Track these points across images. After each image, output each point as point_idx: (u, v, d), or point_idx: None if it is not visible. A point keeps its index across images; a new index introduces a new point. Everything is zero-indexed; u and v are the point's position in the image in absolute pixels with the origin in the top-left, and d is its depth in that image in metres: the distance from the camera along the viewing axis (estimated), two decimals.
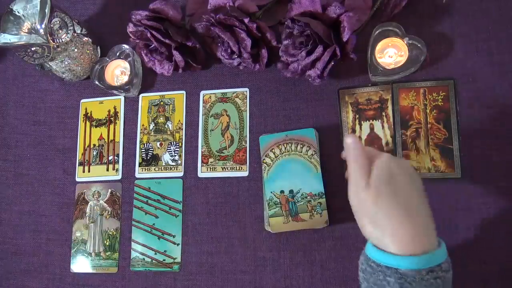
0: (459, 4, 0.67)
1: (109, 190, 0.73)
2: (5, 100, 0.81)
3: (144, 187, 0.72)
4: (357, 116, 0.67)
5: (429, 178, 0.63)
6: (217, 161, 0.71)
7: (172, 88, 0.75)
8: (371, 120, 0.67)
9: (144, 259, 0.70)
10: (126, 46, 0.74)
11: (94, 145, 0.76)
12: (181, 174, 0.72)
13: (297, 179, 0.64)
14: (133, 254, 0.70)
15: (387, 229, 0.44)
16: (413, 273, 0.42)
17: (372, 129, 0.66)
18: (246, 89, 0.72)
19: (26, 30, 0.66)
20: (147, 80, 0.76)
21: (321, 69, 0.63)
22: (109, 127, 0.76)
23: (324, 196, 0.63)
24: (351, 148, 0.49)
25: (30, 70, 0.81)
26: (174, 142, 0.73)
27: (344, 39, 0.62)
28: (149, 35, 0.67)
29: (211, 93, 0.73)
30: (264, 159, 0.66)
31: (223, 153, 0.71)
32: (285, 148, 0.66)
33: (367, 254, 0.46)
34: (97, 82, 0.74)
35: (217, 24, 0.66)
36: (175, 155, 0.73)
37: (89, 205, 0.74)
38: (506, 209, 0.61)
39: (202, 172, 0.71)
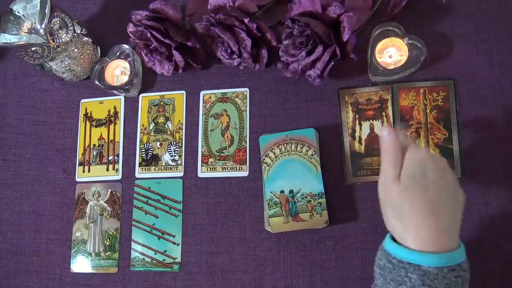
0: (459, 4, 0.67)
1: (109, 190, 0.73)
2: (5, 100, 0.81)
3: (144, 187, 0.72)
4: (357, 116, 0.67)
5: None
6: (217, 161, 0.71)
7: (172, 88, 0.75)
8: (371, 120, 0.67)
9: (144, 259, 0.70)
10: (126, 46, 0.74)
11: (94, 145, 0.76)
12: (181, 174, 0.72)
13: (297, 179, 0.64)
14: (133, 254, 0.70)
15: (410, 224, 0.44)
16: (435, 270, 0.42)
17: (372, 129, 0.66)
18: (246, 89, 0.72)
19: (26, 30, 0.66)
20: (147, 80, 0.76)
21: (321, 69, 0.63)
22: (109, 127, 0.76)
23: (324, 196, 0.63)
24: (386, 139, 0.49)
25: (30, 70, 0.81)
26: (174, 142, 0.73)
27: (344, 39, 0.62)
28: (149, 35, 0.67)
29: (211, 93, 0.73)
30: (264, 159, 0.66)
31: (223, 153, 0.71)
32: (285, 148, 0.66)
33: (387, 250, 0.46)
34: (97, 82, 0.74)
35: (217, 24, 0.66)
36: (175, 155, 0.73)
37: (89, 205, 0.74)
38: (506, 209, 0.61)
39: (202, 172, 0.71)
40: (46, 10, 0.65)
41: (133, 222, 0.72)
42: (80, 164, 0.75)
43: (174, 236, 0.70)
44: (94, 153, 0.75)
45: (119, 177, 0.74)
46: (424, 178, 0.45)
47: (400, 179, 0.46)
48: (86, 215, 0.73)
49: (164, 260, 0.69)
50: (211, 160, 0.71)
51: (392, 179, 0.47)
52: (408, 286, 0.43)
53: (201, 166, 0.71)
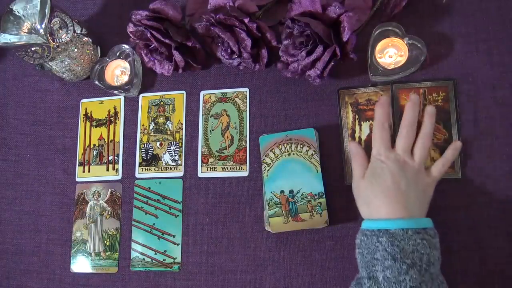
0: (459, 4, 0.67)
1: (109, 190, 0.73)
2: (5, 100, 0.81)
3: (144, 187, 0.72)
4: (357, 116, 0.67)
5: None
6: (217, 161, 0.71)
7: (172, 88, 0.75)
8: (371, 121, 0.67)
9: (144, 259, 0.70)
10: (126, 46, 0.74)
11: (94, 145, 0.76)
12: (181, 174, 0.72)
13: (297, 179, 0.64)
14: (133, 254, 0.70)
15: (376, 202, 0.55)
16: (401, 231, 0.51)
17: (372, 129, 0.66)
18: (246, 89, 0.72)
19: (26, 30, 0.66)
20: (147, 80, 0.76)
21: (321, 69, 0.63)
22: (109, 127, 0.76)
23: (324, 196, 0.63)
24: (353, 151, 0.62)
25: (30, 70, 0.81)
26: (174, 142, 0.73)
27: (344, 39, 0.62)
28: (149, 35, 0.67)
29: (211, 93, 0.73)
30: (264, 159, 0.66)
31: (223, 153, 0.71)
32: (285, 148, 0.66)
33: (362, 227, 0.56)
34: (97, 82, 0.74)
35: (217, 24, 0.66)
36: (175, 155, 0.73)
37: (89, 205, 0.74)
38: (506, 209, 0.61)
39: (202, 172, 0.71)
40: (46, 10, 0.65)
41: (133, 222, 0.72)
42: (80, 164, 0.75)
43: (174, 236, 0.70)
44: (94, 153, 0.75)
45: (119, 177, 0.74)
46: (382, 172, 0.56)
47: (365, 177, 0.58)
48: (86, 215, 0.73)
49: (164, 260, 0.69)
50: (211, 160, 0.71)
51: (360, 177, 0.59)
52: (381, 250, 0.51)
53: (201, 166, 0.71)
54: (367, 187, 0.57)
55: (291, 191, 0.64)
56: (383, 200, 0.55)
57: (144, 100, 0.76)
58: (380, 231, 0.52)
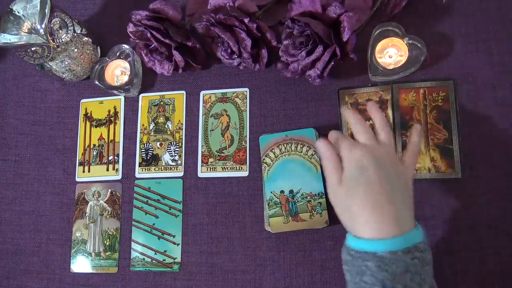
0: (459, 4, 0.67)
1: (109, 190, 0.73)
2: (5, 100, 0.81)
3: (144, 187, 0.72)
4: None
5: (429, 178, 0.63)
6: (217, 161, 0.71)
7: (172, 88, 0.75)
8: (371, 121, 0.67)
9: (144, 259, 0.70)
10: (126, 46, 0.74)
11: (94, 145, 0.76)
12: (181, 174, 0.72)
13: (297, 179, 0.64)
14: (133, 254, 0.70)
15: (360, 218, 0.47)
16: (389, 255, 0.44)
17: (372, 129, 0.66)
18: (246, 89, 0.72)
19: (26, 30, 0.66)
20: (147, 80, 0.76)
21: (321, 69, 0.63)
22: (109, 127, 0.76)
23: (324, 196, 0.63)
24: (322, 151, 0.52)
25: (30, 70, 0.81)
26: (174, 142, 0.73)
27: (344, 39, 0.62)
28: (149, 35, 0.67)
29: (211, 93, 0.73)
30: (264, 159, 0.66)
31: (223, 153, 0.71)
32: (285, 148, 0.66)
33: (346, 245, 0.49)
34: (97, 82, 0.74)
35: (217, 24, 0.66)
36: (175, 155, 0.73)
37: (89, 205, 0.74)
38: (506, 209, 0.61)
39: (202, 172, 0.71)
40: (46, 10, 0.65)
41: (133, 222, 0.72)
42: (80, 164, 0.75)
43: (174, 236, 0.70)
44: (94, 153, 0.75)
45: (119, 177, 0.74)
46: (362, 175, 0.48)
47: (342, 182, 0.49)
48: (86, 215, 0.73)
49: (164, 260, 0.69)
50: (211, 160, 0.71)
51: (336, 184, 0.50)
52: (368, 275, 0.44)
53: (201, 166, 0.71)
54: (348, 196, 0.49)
55: (291, 191, 0.64)
56: (368, 214, 0.47)
57: (144, 100, 0.76)
58: (366, 253, 0.45)
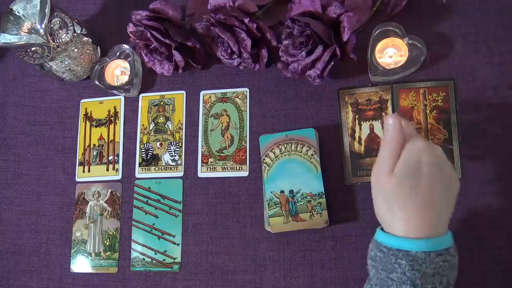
0: (459, 4, 0.67)
1: (109, 190, 0.73)
2: (5, 100, 0.81)
3: (144, 187, 0.72)
4: (357, 116, 0.67)
5: None
6: (217, 161, 0.71)
7: (172, 88, 0.75)
8: (371, 121, 0.67)
9: (144, 259, 0.70)
10: (126, 46, 0.74)
11: (94, 145, 0.76)
12: (181, 174, 0.72)
13: (297, 179, 0.64)
14: (133, 254, 0.70)
15: (400, 216, 0.46)
16: (423, 255, 0.44)
17: (372, 129, 0.66)
18: (246, 89, 0.72)
19: (26, 30, 0.66)
20: (147, 80, 0.76)
21: (321, 69, 0.63)
22: (109, 127, 0.76)
23: (324, 196, 0.63)
24: (389, 128, 0.48)
25: (30, 70, 0.81)
26: (174, 142, 0.73)
27: (344, 39, 0.62)
28: (149, 35, 0.67)
29: (211, 93, 0.73)
30: (264, 159, 0.66)
31: (223, 153, 0.71)
32: (285, 148, 0.66)
33: (378, 240, 0.48)
34: (97, 82, 0.74)
35: (217, 24, 0.66)
36: (175, 155, 0.73)
37: (89, 205, 0.74)
38: (507, 209, 0.61)
39: (202, 172, 0.71)
40: (46, 10, 0.65)
41: (133, 222, 0.72)
42: (80, 164, 0.75)
43: (174, 236, 0.70)
44: (94, 153, 0.75)
45: (119, 177, 0.74)
46: (417, 172, 0.46)
47: (394, 172, 0.46)
48: (86, 215, 0.73)
49: (164, 260, 0.69)
50: (211, 160, 0.71)
51: (387, 172, 0.47)
52: (399, 272, 0.44)
53: (201, 166, 0.71)
54: (396, 189, 0.46)
55: (291, 191, 0.64)
56: (410, 212, 0.45)
57: (144, 100, 0.76)
58: (399, 251, 0.44)
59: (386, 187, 0.47)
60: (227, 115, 0.72)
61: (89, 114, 0.77)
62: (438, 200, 0.46)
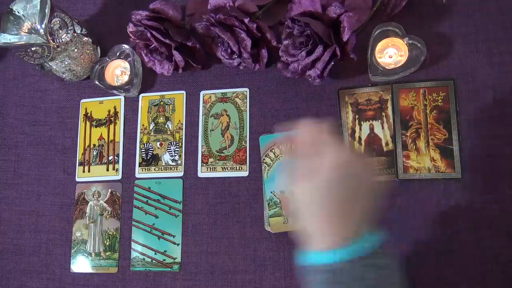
0: (459, 4, 0.67)
1: (109, 190, 0.73)
2: (5, 100, 0.81)
3: (144, 187, 0.72)
4: (357, 116, 0.67)
5: (429, 178, 0.63)
6: (217, 161, 0.71)
7: (172, 88, 0.75)
8: (371, 121, 0.67)
9: (144, 259, 0.70)
10: (126, 46, 0.74)
11: (94, 145, 0.76)
12: (181, 174, 0.72)
13: None
14: (133, 254, 0.70)
15: (314, 232, 0.46)
16: (344, 265, 0.43)
17: (372, 129, 0.66)
18: (246, 89, 0.72)
19: (26, 30, 0.66)
20: (147, 80, 0.76)
21: (321, 69, 0.63)
22: (109, 127, 0.76)
23: None
24: (301, 136, 0.48)
25: (30, 70, 0.81)
26: (174, 142, 0.73)
27: (344, 39, 0.62)
28: (149, 35, 0.67)
29: (211, 93, 0.73)
30: (264, 159, 0.66)
31: (223, 153, 0.71)
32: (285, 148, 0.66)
33: (301, 262, 0.47)
34: (97, 82, 0.74)
35: (217, 24, 0.66)
36: (175, 155, 0.73)
37: (89, 205, 0.74)
38: (507, 209, 0.61)
39: (202, 172, 0.71)
40: (46, 10, 0.65)
41: (133, 222, 0.72)
42: (80, 164, 0.75)
43: (174, 236, 0.70)
44: (94, 153, 0.75)
45: (119, 177, 0.74)
46: (321, 186, 0.45)
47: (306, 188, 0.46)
48: (86, 215, 0.73)
49: (164, 260, 0.69)
50: (211, 160, 0.71)
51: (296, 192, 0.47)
52: (325, 286, 0.43)
53: (201, 166, 0.71)
54: (304, 208, 0.47)
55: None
56: (323, 228, 0.45)
57: (144, 100, 0.76)
58: (323, 265, 0.44)
59: (303, 203, 0.47)
60: (227, 115, 0.72)
61: (89, 114, 0.77)
62: (347, 206, 0.45)
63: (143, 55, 0.72)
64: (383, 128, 0.66)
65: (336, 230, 0.45)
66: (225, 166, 0.70)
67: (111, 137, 0.75)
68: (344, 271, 0.43)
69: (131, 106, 0.76)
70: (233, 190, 0.70)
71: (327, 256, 0.44)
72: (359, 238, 0.45)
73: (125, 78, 0.74)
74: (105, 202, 0.73)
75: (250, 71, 0.72)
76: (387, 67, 0.64)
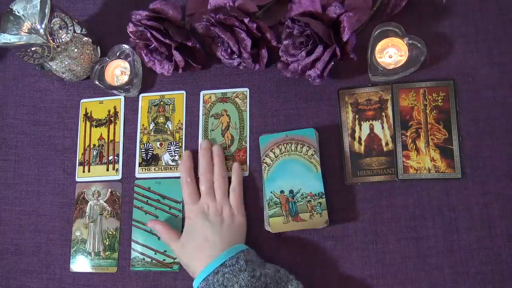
0: (459, 4, 0.67)
1: (109, 190, 0.73)
2: (5, 100, 0.81)
3: (144, 187, 0.72)
4: (357, 116, 0.67)
5: (429, 178, 0.63)
6: None
7: (172, 88, 0.75)
8: (371, 121, 0.67)
9: (144, 259, 0.70)
10: (126, 46, 0.74)
11: (94, 145, 0.76)
12: None
13: (297, 179, 0.64)
14: (133, 254, 0.70)
15: (195, 263, 0.62)
16: (204, 283, 0.58)
17: (372, 129, 0.66)
18: (246, 89, 0.72)
19: (26, 30, 0.66)
20: (147, 80, 0.76)
21: (321, 69, 0.63)
22: (109, 127, 0.76)
23: (324, 196, 0.63)
24: (158, 228, 0.68)
25: (30, 70, 0.81)
26: (174, 142, 0.73)
27: (344, 39, 0.62)
28: (149, 35, 0.67)
29: (211, 93, 0.73)
30: (264, 159, 0.66)
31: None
32: (285, 148, 0.66)
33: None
34: (97, 82, 0.74)
35: (217, 24, 0.66)
36: (175, 155, 0.73)
37: (89, 204, 0.74)
38: (506, 209, 0.61)
39: None
40: (46, 10, 0.65)
41: (133, 222, 0.72)
42: (80, 164, 0.75)
43: None
44: (94, 153, 0.75)
45: (119, 177, 0.74)
46: (192, 228, 0.65)
47: (180, 239, 0.65)
48: (86, 214, 0.73)
49: (164, 260, 0.69)
50: None
51: (175, 241, 0.65)
52: None
53: None
54: (183, 249, 0.64)
55: (291, 191, 0.64)
56: (195, 257, 0.62)
57: (144, 100, 0.76)
58: None
59: (178, 251, 0.65)
60: (227, 115, 0.72)
61: (89, 114, 0.77)
62: (211, 238, 0.62)
63: (143, 55, 0.72)
64: (383, 128, 0.66)
65: (205, 254, 0.61)
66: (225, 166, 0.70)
67: (111, 137, 0.75)
68: (206, 286, 0.58)
69: (131, 106, 0.76)
70: None
71: (196, 280, 0.60)
72: (210, 260, 0.60)
73: (125, 78, 0.74)
74: (105, 201, 0.73)
75: (250, 71, 0.72)
76: (387, 67, 0.64)
